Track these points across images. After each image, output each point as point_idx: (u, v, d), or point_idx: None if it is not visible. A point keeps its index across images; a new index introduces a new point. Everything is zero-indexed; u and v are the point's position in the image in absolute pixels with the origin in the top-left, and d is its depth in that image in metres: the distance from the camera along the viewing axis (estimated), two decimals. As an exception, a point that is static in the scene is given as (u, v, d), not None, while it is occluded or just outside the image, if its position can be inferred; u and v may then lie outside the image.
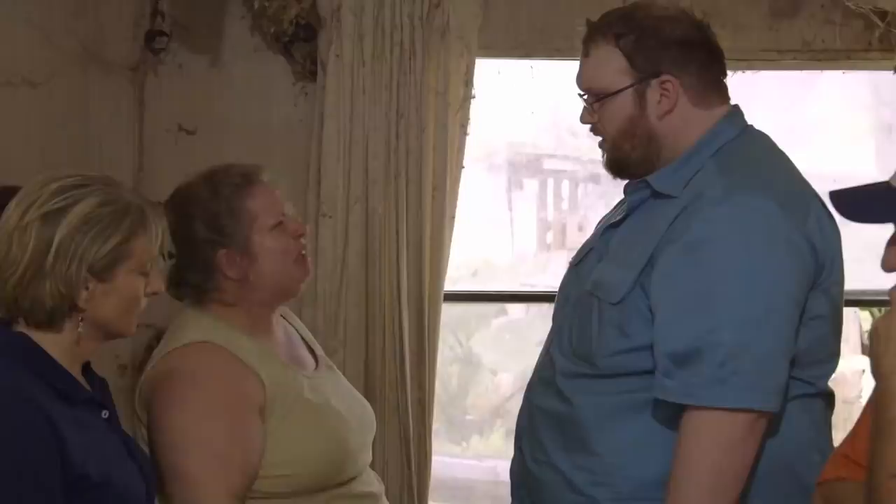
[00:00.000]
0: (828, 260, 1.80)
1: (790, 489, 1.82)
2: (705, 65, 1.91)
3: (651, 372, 1.78)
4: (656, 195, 1.89)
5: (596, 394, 1.86)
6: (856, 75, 3.68)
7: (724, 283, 1.72)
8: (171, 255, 2.01)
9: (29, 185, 1.67)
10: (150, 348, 3.27)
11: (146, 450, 1.93)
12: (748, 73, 3.48)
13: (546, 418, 1.93)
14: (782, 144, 2.01)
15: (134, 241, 1.68)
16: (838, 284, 1.86)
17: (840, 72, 3.54)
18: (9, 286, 1.65)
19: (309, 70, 3.37)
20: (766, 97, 3.67)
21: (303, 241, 2.15)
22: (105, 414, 1.75)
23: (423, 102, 3.27)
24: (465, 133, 3.33)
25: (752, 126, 1.96)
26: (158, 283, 1.76)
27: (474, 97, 3.35)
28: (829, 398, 1.92)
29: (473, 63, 3.34)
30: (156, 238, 1.72)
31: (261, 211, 2.09)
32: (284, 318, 2.27)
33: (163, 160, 3.40)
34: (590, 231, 2.09)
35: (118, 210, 1.66)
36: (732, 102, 1.96)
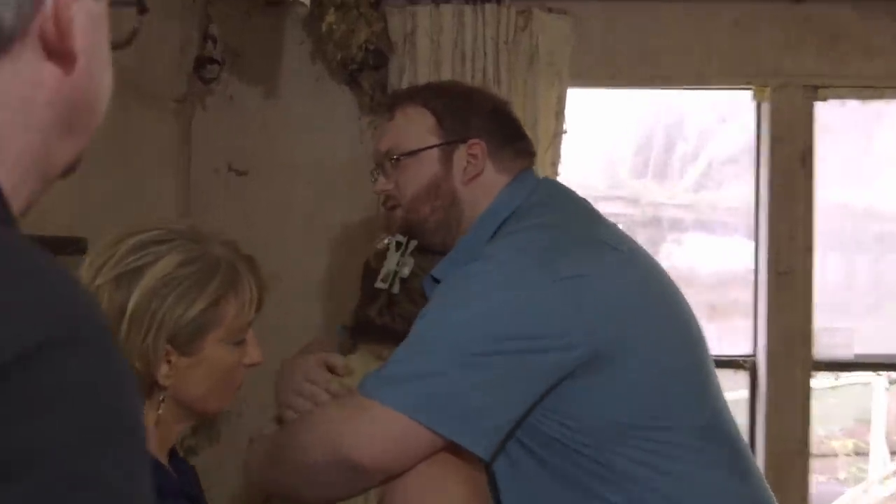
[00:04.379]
0: (603, 330, 1.68)
1: None
2: (512, 136, 1.95)
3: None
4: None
5: None
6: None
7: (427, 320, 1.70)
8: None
9: (103, 240, 1.53)
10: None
11: None
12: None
13: None
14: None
15: (224, 306, 1.51)
16: (658, 348, 1.74)
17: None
18: None
19: (378, 101, 3.15)
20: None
21: None
22: None
23: (508, 138, 3.01)
24: (556, 173, 3.11)
25: (542, 184, 1.93)
26: (257, 353, 1.59)
27: (566, 132, 3.13)
28: None
29: (565, 93, 3.12)
30: (250, 301, 1.55)
31: None
32: None
33: (211, 204, 3.20)
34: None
35: (204, 269, 1.51)
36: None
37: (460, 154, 1.90)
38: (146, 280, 1.48)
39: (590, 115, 3.40)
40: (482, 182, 1.90)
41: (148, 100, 3.05)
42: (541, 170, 3.01)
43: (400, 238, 1.94)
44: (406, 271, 1.94)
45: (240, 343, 1.55)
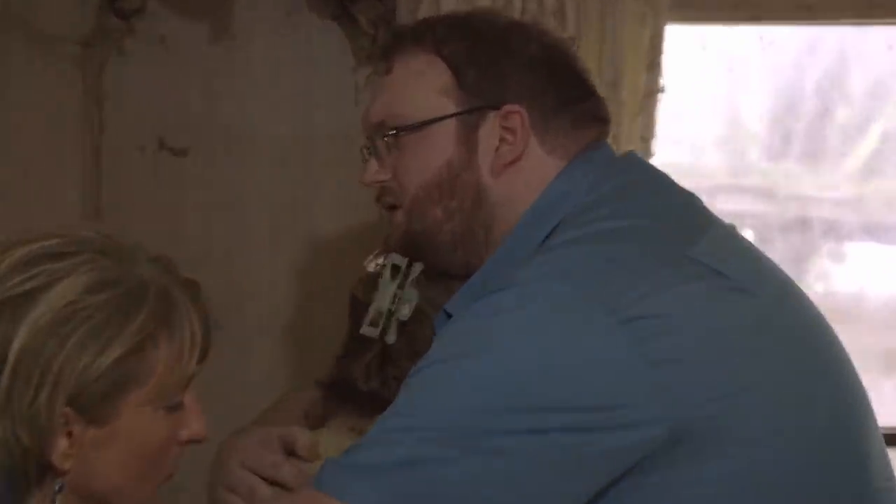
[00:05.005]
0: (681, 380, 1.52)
1: None
2: (572, 95, 1.75)
3: None
4: None
5: None
6: None
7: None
8: None
9: None
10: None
11: None
12: None
13: None
14: None
15: (152, 353, 1.38)
16: (782, 422, 1.56)
17: None
18: None
19: (381, 45, 2.76)
20: None
21: None
22: None
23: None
24: (648, 153, 2.77)
25: (619, 167, 1.74)
26: (199, 424, 1.43)
27: (663, 91, 2.76)
28: None
29: (662, 33, 2.76)
30: (191, 347, 1.40)
31: None
32: None
33: (132, 199, 2.90)
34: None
35: (124, 297, 1.37)
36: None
37: (489, 127, 1.69)
38: (38, 311, 1.40)
39: (701, 66, 3.07)
40: (523, 169, 1.70)
41: (38, 42, 2.88)
42: (625, 142, 2.75)
43: (398, 260, 1.79)
44: (406, 311, 1.81)
45: (174, 408, 1.45)
